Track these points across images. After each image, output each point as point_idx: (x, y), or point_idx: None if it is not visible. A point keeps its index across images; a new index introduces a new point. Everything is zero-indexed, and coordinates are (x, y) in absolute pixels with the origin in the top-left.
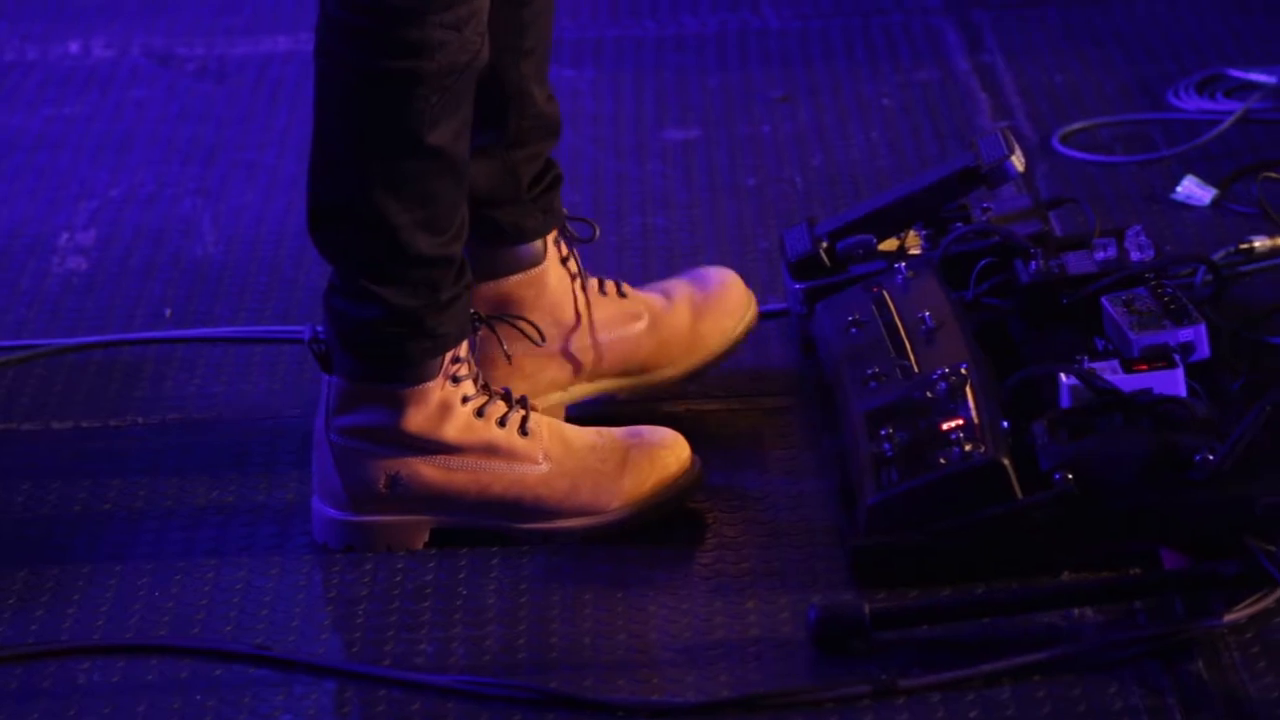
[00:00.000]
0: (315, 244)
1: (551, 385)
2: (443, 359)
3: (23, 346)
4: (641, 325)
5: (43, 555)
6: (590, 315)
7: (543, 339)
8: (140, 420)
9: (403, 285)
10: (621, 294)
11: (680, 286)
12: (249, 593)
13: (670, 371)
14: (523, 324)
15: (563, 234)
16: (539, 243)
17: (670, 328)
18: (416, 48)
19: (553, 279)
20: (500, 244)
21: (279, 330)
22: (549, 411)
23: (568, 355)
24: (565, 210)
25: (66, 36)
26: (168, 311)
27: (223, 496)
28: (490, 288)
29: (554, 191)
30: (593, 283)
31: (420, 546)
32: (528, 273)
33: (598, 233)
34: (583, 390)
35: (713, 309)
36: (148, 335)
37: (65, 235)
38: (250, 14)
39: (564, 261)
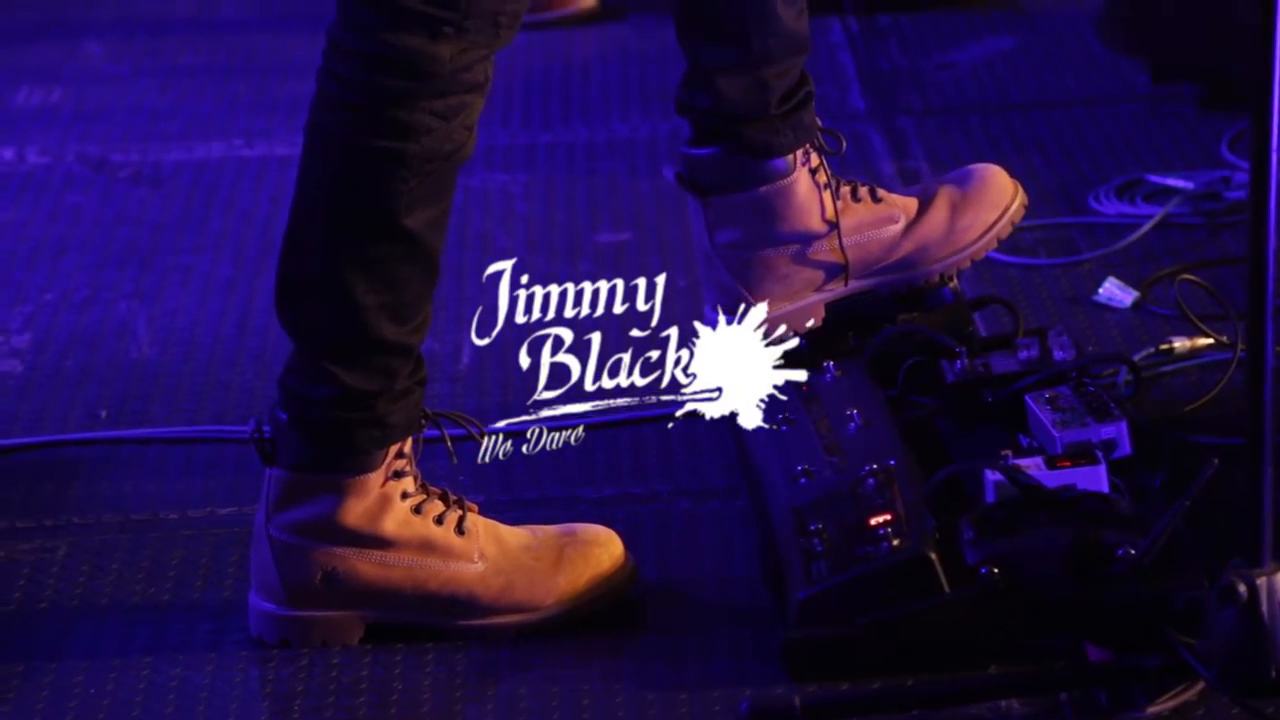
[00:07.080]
0: (280, 319)
1: (806, 285)
2: (387, 451)
3: None
4: (896, 228)
5: None
6: (840, 222)
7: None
8: (76, 520)
9: (360, 369)
10: (876, 199)
11: (942, 185)
12: (185, 689)
13: (929, 266)
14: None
15: (814, 146)
16: (789, 156)
17: (927, 226)
18: (404, 129)
19: (801, 190)
20: (749, 158)
21: (215, 430)
22: (812, 311)
23: (819, 261)
24: (818, 122)
25: (1, 143)
26: (103, 413)
27: (159, 594)
28: (740, 198)
29: (806, 107)
30: (845, 190)
31: (356, 642)
32: (775, 184)
33: (844, 145)
34: (840, 290)
35: (972, 204)
36: (84, 436)
37: (0, 339)
38: (184, 121)
39: (813, 173)
